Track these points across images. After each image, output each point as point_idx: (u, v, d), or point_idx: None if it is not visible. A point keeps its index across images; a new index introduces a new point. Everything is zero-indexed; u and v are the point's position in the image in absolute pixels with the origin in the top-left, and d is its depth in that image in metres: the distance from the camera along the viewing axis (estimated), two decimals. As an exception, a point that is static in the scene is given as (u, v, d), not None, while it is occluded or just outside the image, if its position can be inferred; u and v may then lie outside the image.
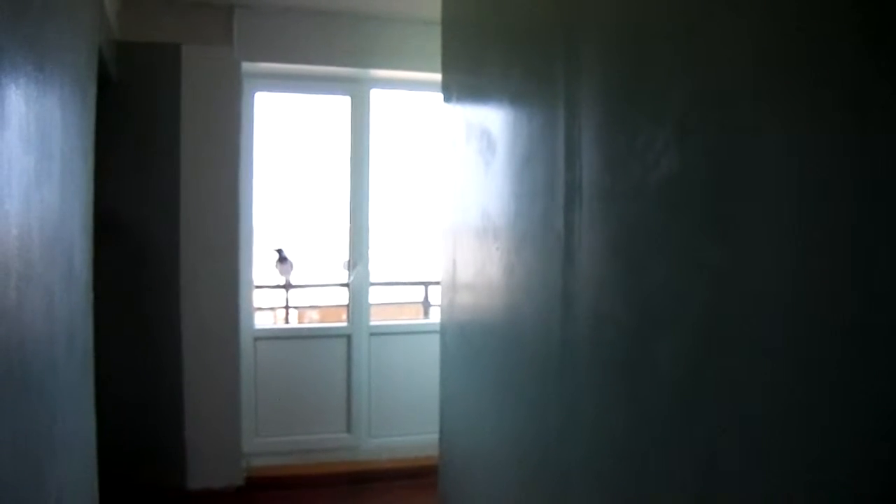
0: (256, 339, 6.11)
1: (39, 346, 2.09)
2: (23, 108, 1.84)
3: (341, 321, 6.57)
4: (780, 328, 1.49)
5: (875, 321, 1.23)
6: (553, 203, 2.66)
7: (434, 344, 4.64)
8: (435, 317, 7.46)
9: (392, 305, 8.95)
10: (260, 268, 6.40)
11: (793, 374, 1.45)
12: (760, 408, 1.55)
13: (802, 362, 1.43)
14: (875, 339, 1.23)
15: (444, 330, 4.30)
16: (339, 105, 6.39)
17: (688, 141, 1.85)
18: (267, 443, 6.10)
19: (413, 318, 8.39)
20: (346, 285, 6.42)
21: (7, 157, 1.68)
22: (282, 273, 6.99)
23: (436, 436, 4.46)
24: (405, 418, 6.30)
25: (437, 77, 4.49)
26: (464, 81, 3.98)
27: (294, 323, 8.45)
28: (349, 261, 6.40)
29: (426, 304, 8.46)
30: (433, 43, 4.53)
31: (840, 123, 1.33)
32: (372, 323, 6.43)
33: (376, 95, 6.38)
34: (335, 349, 6.32)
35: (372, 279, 6.48)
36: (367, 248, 6.37)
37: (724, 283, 1.69)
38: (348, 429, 6.32)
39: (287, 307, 8.25)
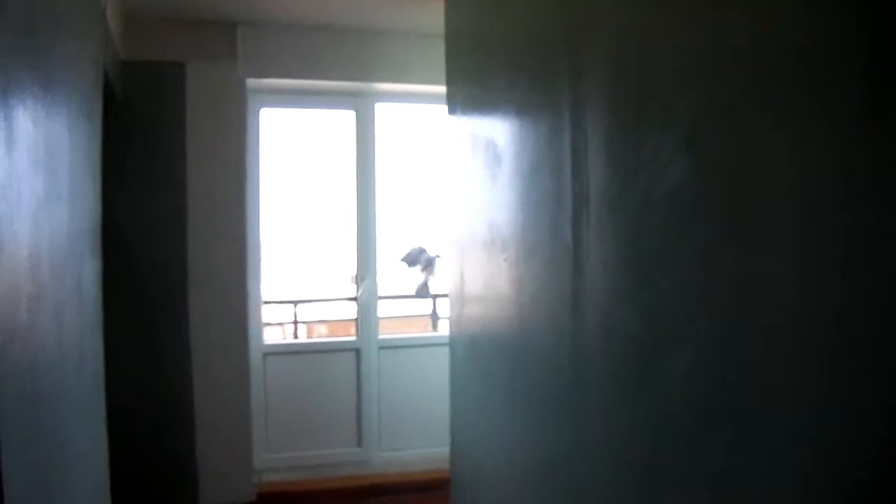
0: (266, 354, 6.11)
1: (51, 367, 2.09)
2: (31, 128, 1.85)
3: (350, 335, 6.56)
4: (795, 338, 1.48)
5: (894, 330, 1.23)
6: (561, 213, 2.66)
7: (443, 357, 4.63)
8: (444, 330, 7.45)
9: (400, 319, 8.95)
10: (267, 283, 6.39)
11: (810, 386, 1.45)
12: (775, 420, 1.54)
13: (819, 374, 1.42)
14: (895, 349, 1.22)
15: (453, 342, 4.30)
16: (344, 119, 6.41)
17: (695, 149, 1.84)
18: (278, 458, 6.10)
19: (422, 332, 8.38)
20: (355, 299, 6.42)
21: (16, 177, 1.68)
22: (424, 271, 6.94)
23: (447, 449, 4.45)
24: (415, 431, 6.29)
25: (442, 89, 4.49)
26: (468, 93, 3.98)
27: (303, 338, 8.45)
28: (357, 275, 6.40)
29: (434, 317, 8.45)
30: (437, 56, 4.54)
31: (849, 129, 1.33)
32: (381, 336, 6.43)
33: (381, 109, 6.40)
34: (344, 363, 6.32)
35: (380, 293, 6.48)
36: (375, 261, 6.38)
37: (735, 292, 1.68)
38: (359, 443, 6.31)
39: (296, 322, 8.25)
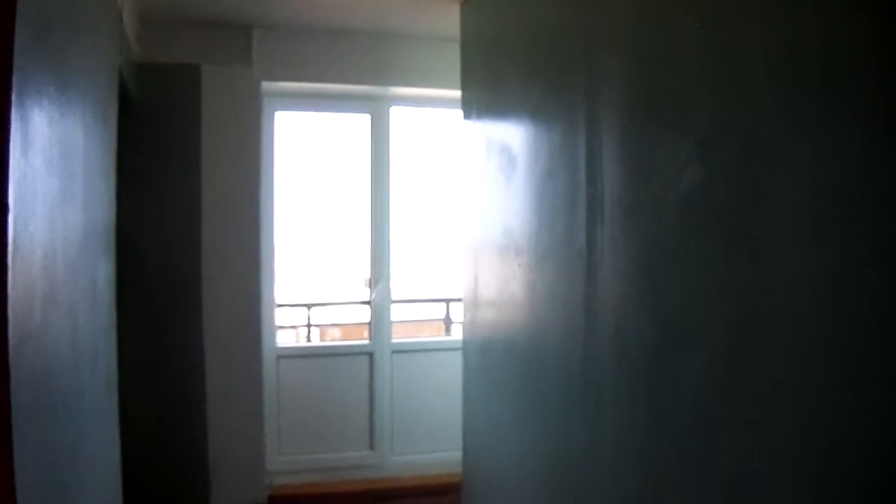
0: (279, 357, 6.12)
1: (64, 368, 2.09)
2: (46, 129, 1.85)
3: (363, 339, 6.56)
4: (806, 345, 1.47)
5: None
6: (575, 218, 2.66)
7: (456, 361, 4.63)
8: (457, 334, 7.44)
9: (414, 323, 8.93)
10: (281, 285, 6.40)
11: (820, 393, 1.44)
12: (785, 426, 1.54)
13: (830, 380, 1.41)
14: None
15: (466, 346, 4.29)
16: (359, 123, 6.41)
17: (710, 156, 1.84)
18: (290, 461, 6.10)
19: (435, 336, 8.37)
20: (368, 303, 6.42)
21: (31, 178, 1.68)
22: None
23: (459, 453, 4.44)
24: (428, 435, 6.28)
25: (457, 94, 4.49)
26: (483, 98, 3.98)
27: (316, 341, 8.45)
28: (371, 278, 6.40)
29: (448, 321, 8.44)
30: (453, 60, 4.53)
31: (866, 133, 1.32)
32: (394, 340, 6.43)
33: (396, 113, 6.40)
34: (357, 367, 6.31)
35: (393, 296, 6.48)
36: (389, 265, 6.37)
37: (748, 298, 1.67)
38: (371, 446, 6.31)
39: (309, 325, 8.26)
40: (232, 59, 5.62)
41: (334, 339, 8.94)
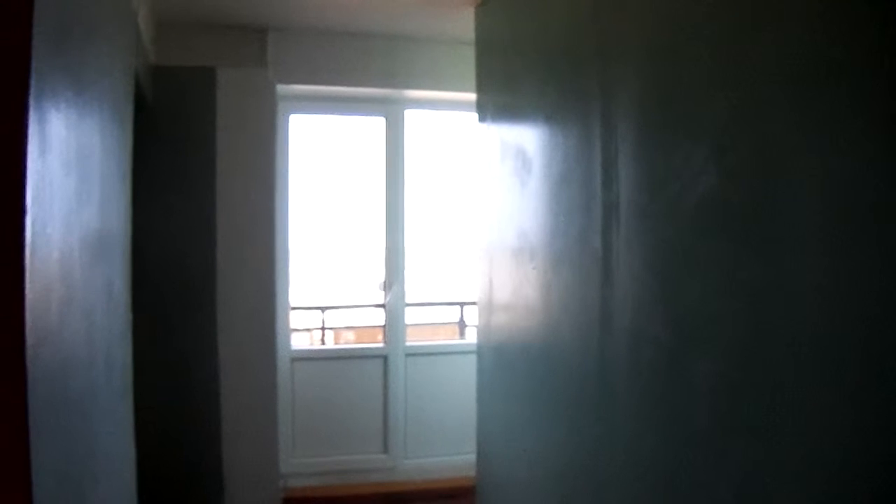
0: (293, 360, 6.13)
1: (80, 370, 2.10)
2: (63, 132, 1.86)
3: (377, 342, 6.57)
4: (820, 350, 1.47)
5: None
6: (590, 222, 2.65)
7: (470, 364, 4.63)
8: (471, 337, 7.44)
9: (428, 326, 8.93)
10: (295, 288, 6.40)
11: (831, 396, 1.43)
12: (798, 430, 1.53)
13: (844, 385, 1.40)
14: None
15: (480, 350, 4.29)
16: (373, 126, 6.41)
17: (725, 160, 1.83)
18: (304, 463, 6.11)
19: (449, 339, 8.37)
20: (382, 306, 6.42)
21: (49, 180, 1.69)
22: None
23: (472, 456, 4.44)
24: (442, 439, 6.28)
25: (472, 97, 4.49)
26: (498, 101, 3.98)
27: (330, 344, 8.47)
28: (385, 281, 6.40)
29: (462, 325, 8.44)
30: (467, 63, 4.53)
31: (877, 142, 1.31)
32: (408, 343, 6.43)
33: (411, 116, 6.40)
34: (371, 370, 6.32)
35: (408, 300, 6.48)
36: (403, 268, 6.38)
37: (762, 302, 1.67)
38: (385, 449, 6.31)
39: (323, 328, 8.27)
40: (247, 62, 5.64)
41: (348, 342, 8.96)
